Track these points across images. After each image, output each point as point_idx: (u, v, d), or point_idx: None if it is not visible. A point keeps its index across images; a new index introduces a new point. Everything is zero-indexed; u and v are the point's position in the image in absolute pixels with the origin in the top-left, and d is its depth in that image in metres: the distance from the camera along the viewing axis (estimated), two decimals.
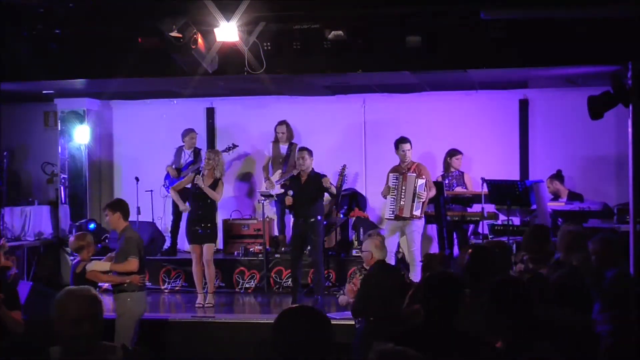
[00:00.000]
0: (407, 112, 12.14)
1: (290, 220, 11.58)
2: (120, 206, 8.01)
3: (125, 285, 7.78)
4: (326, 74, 10.20)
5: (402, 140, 10.20)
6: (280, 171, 11.52)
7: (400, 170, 10.13)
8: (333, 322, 3.76)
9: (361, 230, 11.27)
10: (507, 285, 4.29)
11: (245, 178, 12.82)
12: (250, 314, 10.00)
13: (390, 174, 10.18)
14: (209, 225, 9.82)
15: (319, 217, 9.71)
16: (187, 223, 9.99)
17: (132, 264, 7.74)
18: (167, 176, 11.93)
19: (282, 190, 11.06)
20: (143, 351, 3.99)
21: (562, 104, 11.77)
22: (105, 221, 8.19)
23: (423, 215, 10.08)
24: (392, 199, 10.03)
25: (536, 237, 6.85)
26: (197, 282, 9.93)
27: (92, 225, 12.16)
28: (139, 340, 7.98)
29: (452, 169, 11.24)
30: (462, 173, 11.27)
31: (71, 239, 8.15)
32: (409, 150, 10.12)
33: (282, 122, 11.73)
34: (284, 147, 11.68)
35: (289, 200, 9.86)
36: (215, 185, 9.79)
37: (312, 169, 9.95)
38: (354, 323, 7.13)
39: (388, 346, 3.47)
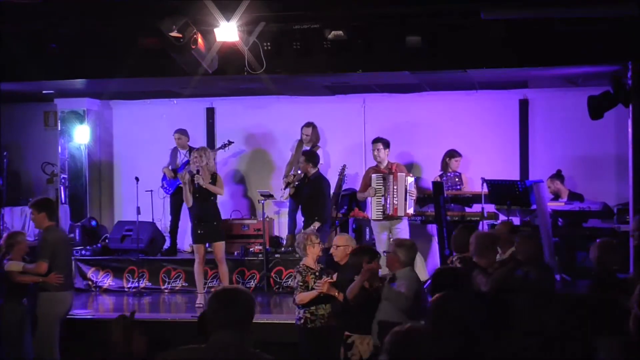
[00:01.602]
0: (407, 112, 12.13)
1: (300, 217, 11.59)
2: (47, 206, 7.91)
3: (41, 284, 7.71)
4: (326, 74, 10.20)
5: (374, 140, 10.37)
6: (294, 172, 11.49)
7: (380, 171, 10.20)
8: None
9: (367, 230, 11.26)
10: None
11: (245, 178, 12.82)
12: None
13: (372, 175, 10.23)
14: (213, 223, 9.81)
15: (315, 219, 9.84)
16: (192, 223, 9.99)
17: (40, 267, 7.66)
18: (164, 177, 11.91)
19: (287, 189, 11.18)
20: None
21: (562, 104, 11.76)
22: (31, 219, 8.13)
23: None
24: (379, 200, 10.09)
25: (464, 237, 7.04)
26: (198, 281, 9.91)
27: (93, 222, 12.18)
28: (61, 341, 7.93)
29: (450, 170, 11.25)
30: (460, 173, 11.28)
31: (4, 235, 8.17)
32: (380, 149, 10.21)
33: (309, 124, 11.64)
34: (307, 148, 11.60)
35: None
36: (214, 180, 9.79)
37: (317, 170, 10.19)
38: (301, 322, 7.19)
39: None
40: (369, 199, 10.25)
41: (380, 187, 10.13)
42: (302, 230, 8.23)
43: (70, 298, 8.06)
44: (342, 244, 7.32)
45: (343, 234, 7.85)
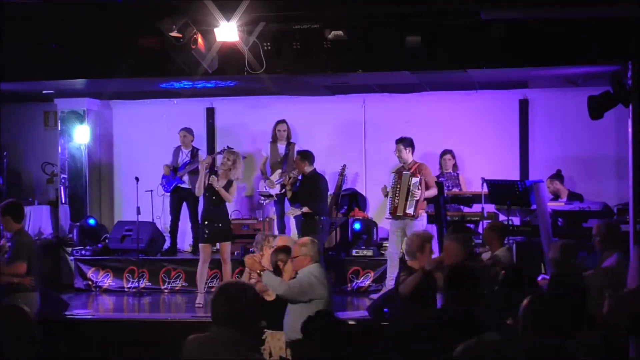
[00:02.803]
0: (407, 112, 12.14)
1: (288, 220, 11.59)
2: (10, 209, 7.83)
3: (15, 285, 7.67)
4: (326, 74, 10.20)
5: (396, 141, 10.26)
6: (280, 171, 11.52)
7: (399, 170, 10.18)
8: None
9: (374, 230, 11.26)
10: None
11: (246, 178, 12.79)
12: None
13: (391, 174, 10.24)
14: (221, 224, 9.81)
15: (315, 217, 9.82)
16: (201, 222, 10.00)
17: (19, 268, 7.63)
18: (164, 176, 11.93)
19: (282, 190, 11.13)
20: None
21: (562, 104, 11.77)
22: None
23: (421, 214, 10.03)
24: (390, 198, 10.09)
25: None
26: (199, 281, 9.90)
27: (91, 221, 12.15)
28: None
29: (446, 170, 11.26)
30: (458, 174, 11.28)
31: None
32: (401, 150, 10.14)
33: (282, 121, 11.73)
34: (282, 147, 11.68)
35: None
36: (229, 186, 9.79)
37: (314, 169, 10.11)
38: None
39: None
40: (375, 199, 10.27)
41: (392, 185, 10.09)
42: (261, 231, 8.24)
43: (37, 299, 8.12)
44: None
45: (283, 235, 7.87)
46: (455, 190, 11.06)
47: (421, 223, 10.05)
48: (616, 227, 7.13)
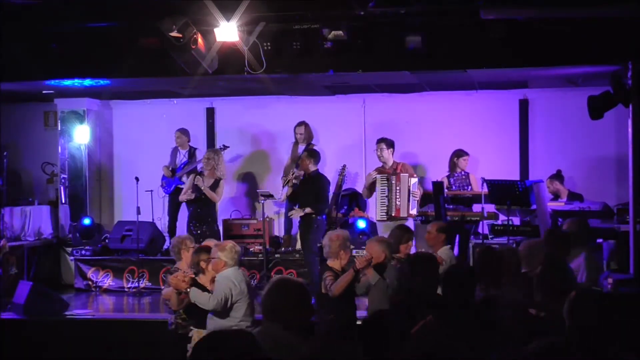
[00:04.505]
0: (407, 112, 12.13)
1: (296, 219, 11.59)
2: None
3: None
4: (326, 74, 10.19)
5: (377, 140, 10.31)
6: (292, 171, 11.49)
7: (384, 171, 10.16)
8: None
9: (378, 232, 11.22)
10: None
11: (245, 178, 12.81)
12: None
13: (377, 175, 10.14)
14: (207, 224, 9.81)
15: (312, 216, 9.84)
16: (187, 223, 10.00)
17: None
18: (164, 177, 11.92)
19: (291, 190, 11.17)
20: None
21: (562, 104, 11.77)
22: None
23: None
24: (383, 200, 10.05)
25: (395, 238, 7.49)
26: None
27: (86, 221, 12.11)
28: None
29: (458, 170, 11.22)
30: (468, 174, 11.23)
31: None
32: (383, 149, 10.16)
33: (301, 123, 11.69)
34: (302, 148, 11.61)
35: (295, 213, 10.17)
36: (216, 185, 9.77)
37: (316, 169, 10.11)
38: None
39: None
40: (373, 199, 10.20)
41: (385, 187, 10.08)
42: (178, 235, 8.20)
43: None
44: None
45: (210, 239, 7.85)
46: (466, 189, 11.04)
47: (411, 222, 10.12)
48: (585, 224, 7.17)
